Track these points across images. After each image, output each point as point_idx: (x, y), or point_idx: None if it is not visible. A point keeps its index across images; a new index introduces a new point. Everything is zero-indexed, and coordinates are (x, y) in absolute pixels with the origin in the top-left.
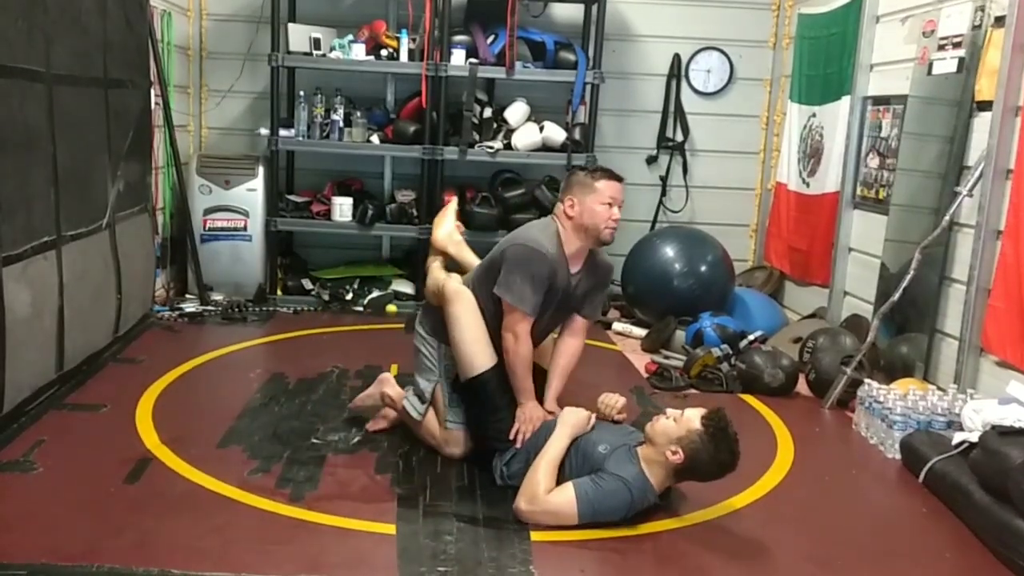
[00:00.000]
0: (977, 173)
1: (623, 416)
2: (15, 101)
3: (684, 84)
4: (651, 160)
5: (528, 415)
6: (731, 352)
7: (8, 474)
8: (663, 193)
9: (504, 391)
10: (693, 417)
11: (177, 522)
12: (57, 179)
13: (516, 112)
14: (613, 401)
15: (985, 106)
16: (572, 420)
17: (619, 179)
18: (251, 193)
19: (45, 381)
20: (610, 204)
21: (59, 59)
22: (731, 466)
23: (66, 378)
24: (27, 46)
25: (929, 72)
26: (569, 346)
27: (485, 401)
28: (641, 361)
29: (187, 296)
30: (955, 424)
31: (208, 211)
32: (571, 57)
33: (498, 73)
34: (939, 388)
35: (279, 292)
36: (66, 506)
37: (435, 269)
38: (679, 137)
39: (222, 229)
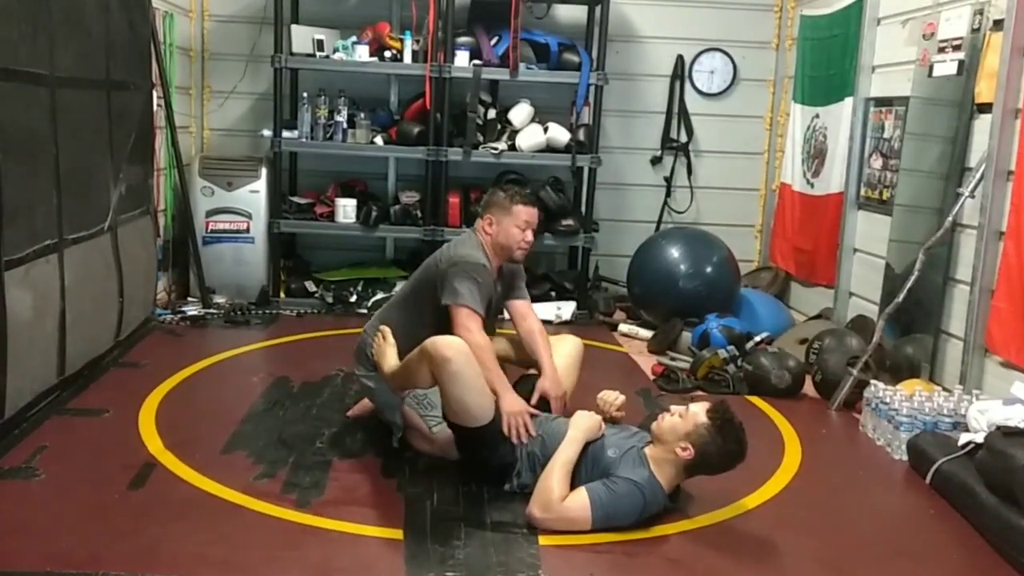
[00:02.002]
0: (978, 175)
1: (621, 414)
2: (19, 104)
3: (688, 85)
4: (655, 161)
5: (511, 407)
6: (737, 353)
7: (9, 481)
8: (668, 194)
9: (500, 431)
10: (699, 411)
11: (182, 528)
12: (59, 182)
13: (520, 113)
14: (612, 398)
15: (985, 108)
16: (585, 424)
17: (534, 205)
18: (254, 195)
19: (46, 386)
20: (524, 228)
21: (62, 61)
22: (740, 456)
23: (68, 383)
24: (31, 49)
25: (930, 74)
26: (529, 327)
27: (485, 444)
28: (647, 363)
29: (189, 299)
30: (961, 425)
31: (210, 213)
32: (575, 58)
33: (502, 74)
34: (945, 389)
35: (282, 295)
36: (69, 513)
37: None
38: (683, 138)
39: (225, 231)
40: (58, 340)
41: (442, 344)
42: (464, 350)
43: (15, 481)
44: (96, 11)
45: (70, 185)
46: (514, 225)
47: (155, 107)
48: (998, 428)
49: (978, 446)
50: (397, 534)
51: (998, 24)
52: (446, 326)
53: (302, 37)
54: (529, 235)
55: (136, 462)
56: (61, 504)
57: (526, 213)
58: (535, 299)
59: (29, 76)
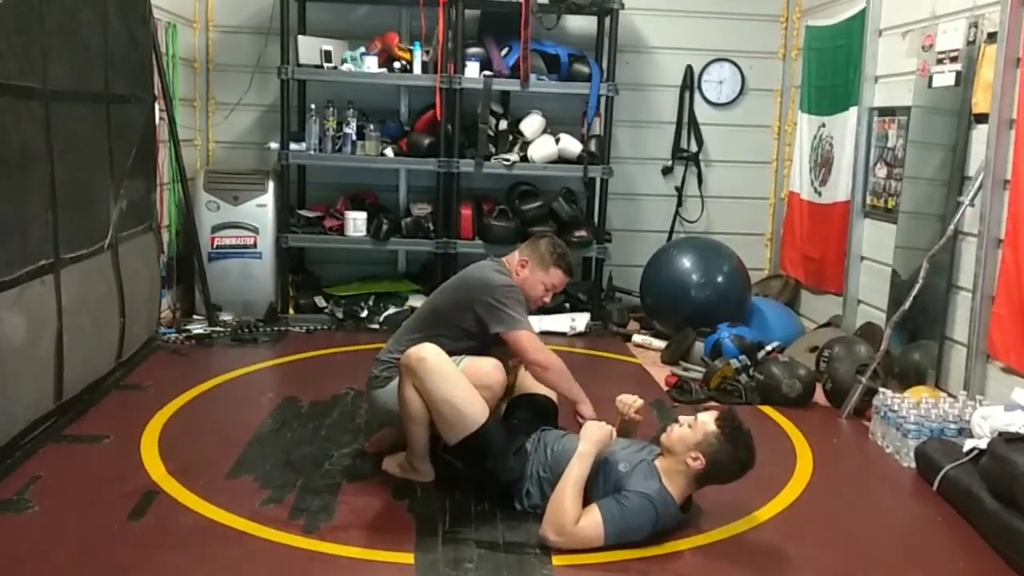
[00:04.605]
0: (977, 183)
1: (639, 417)
2: (9, 119)
3: (697, 95)
4: (666, 171)
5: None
6: (749, 363)
7: (0, 515)
8: (679, 204)
9: (502, 432)
10: (707, 421)
11: (184, 559)
12: (55, 199)
13: (531, 124)
14: (631, 400)
15: (982, 118)
16: (596, 436)
17: (571, 274)
18: (261, 209)
19: (42, 412)
20: (549, 289)
21: (57, 74)
22: (750, 463)
23: (65, 408)
24: (23, 62)
25: (930, 85)
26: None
27: (489, 451)
28: (661, 374)
29: (195, 317)
30: (966, 431)
31: (216, 228)
32: (585, 69)
33: (512, 85)
34: (950, 395)
35: (291, 311)
36: (64, 547)
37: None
38: (693, 148)
39: (231, 246)
40: (55, 364)
41: (412, 349)
42: (434, 348)
43: (6, 515)
44: (93, 22)
45: (67, 202)
46: (542, 282)
47: (158, 120)
48: (1000, 434)
49: (982, 452)
50: (408, 558)
51: (992, 36)
52: (461, 353)
53: (309, 48)
54: (548, 298)
55: (137, 490)
56: (55, 538)
57: (559, 279)
58: (549, 310)
59: (20, 90)
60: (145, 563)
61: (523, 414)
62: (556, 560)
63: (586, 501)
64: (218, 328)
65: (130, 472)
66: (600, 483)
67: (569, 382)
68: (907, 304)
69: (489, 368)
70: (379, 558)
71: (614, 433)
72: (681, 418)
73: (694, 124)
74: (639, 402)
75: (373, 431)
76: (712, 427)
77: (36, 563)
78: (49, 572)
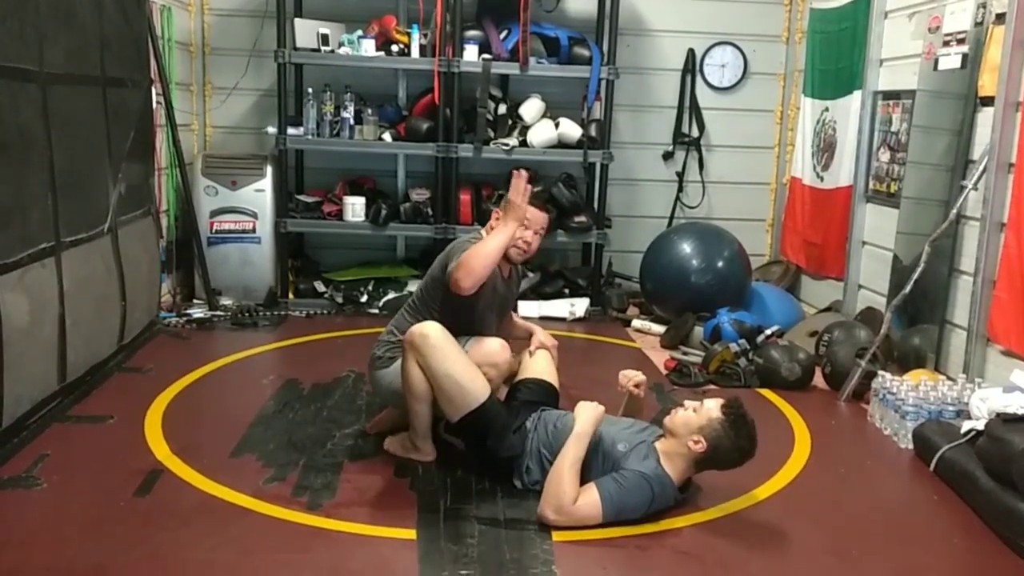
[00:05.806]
0: (981, 167)
1: (639, 391)
2: (7, 102)
3: (699, 79)
4: (667, 156)
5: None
6: (748, 347)
7: (10, 491)
8: (680, 189)
9: (503, 409)
10: (712, 407)
11: (190, 535)
12: (55, 183)
13: (531, 108)
14: (632, 374)
15: (988, 101)
16: (592, 416)
17: (545, 210)
18: (259, 194)
19: (47, 393)
20: (524, 225)
21: (53, 58)
22: (750, 452)
23: (69, 389)
24: (19, 45)
25: (935, 68)
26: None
27: (490, 428)
28: (660, 358)
29: (195, 301)
30: (964, 413)
31: (215, 213)
32: (585, 52)
33: (512, 69)
34: (949, 378)
35: (291, 295)
36: (73, 522)
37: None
38: (695, 132)
39: (230, 231)
40: (58, 346)
41: (416, 326)
42: (437, 326)
43: (15, 491)
44: (88, 5)
45: (66, 186)
46: None
47: (154, 104)
48: (998, 415)
49: (979, 433)
50: (410, 534)
51: (1000, 18)
52: (453, 325)
53: (306, 31)
54: (528, 235)
55: (142, 468)
56: (64, 514)
57: (531, 212)
58: (548, 296)
59: (17, 72)
60: (151, 538)
61: (524, 397)
62: (556, 536)
63: (585, 479)
64: (218, 312)
65: (135, 451)
66: (599, 462)
67: (490, 251)
68: (908, 288)
69: (496, 347)
70: (382, 534)
71: (603, 410)
72: (686, 402)
73: (696, 108)
74: (639, 376)
75: (375, 412)
76: (717, 413)
77: (46, 537)
78: (59, 546)
